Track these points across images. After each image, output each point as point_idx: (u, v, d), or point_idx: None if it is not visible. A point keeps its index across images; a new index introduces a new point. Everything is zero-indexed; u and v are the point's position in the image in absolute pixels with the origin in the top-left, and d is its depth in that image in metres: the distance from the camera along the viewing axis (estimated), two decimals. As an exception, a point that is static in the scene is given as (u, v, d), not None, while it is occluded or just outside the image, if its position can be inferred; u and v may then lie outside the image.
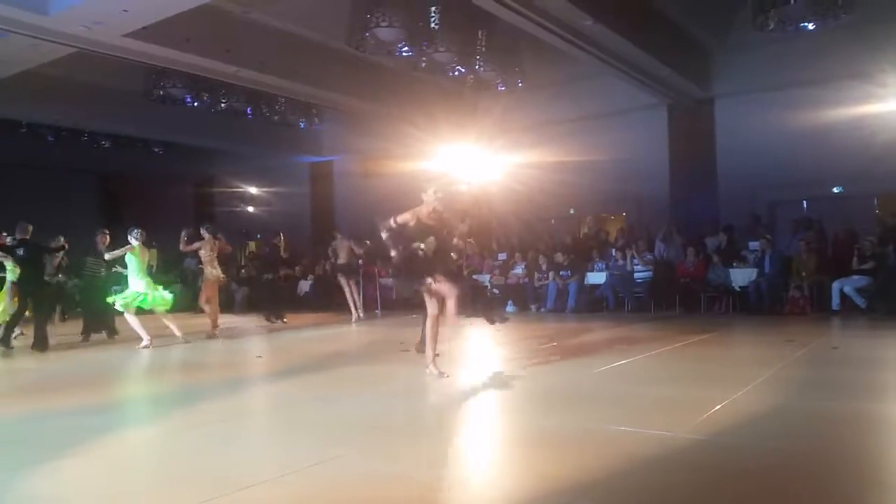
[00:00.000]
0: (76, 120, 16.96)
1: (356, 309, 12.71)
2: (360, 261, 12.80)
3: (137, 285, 9.44)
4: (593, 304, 13.46)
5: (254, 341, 10.61)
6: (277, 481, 3.38)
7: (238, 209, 22.37)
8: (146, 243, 9.74)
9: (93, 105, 15.56)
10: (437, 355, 6.23)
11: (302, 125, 18.28)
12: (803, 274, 11.76)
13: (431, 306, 6.14)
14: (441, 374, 6.06)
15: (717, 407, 4.59)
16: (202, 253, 10.81)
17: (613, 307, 13.30)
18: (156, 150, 20.88)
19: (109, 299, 9.57)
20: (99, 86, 14.83)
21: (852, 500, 2.91)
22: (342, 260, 12.91)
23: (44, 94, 14.16)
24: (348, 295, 12.82)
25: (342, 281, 12.98)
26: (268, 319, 12.79)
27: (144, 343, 9.28)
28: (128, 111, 16.04)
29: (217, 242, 10.86)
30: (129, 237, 9.47)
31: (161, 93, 15.31)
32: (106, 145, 19.79)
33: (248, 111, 16.67)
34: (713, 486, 3.18)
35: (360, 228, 17.07)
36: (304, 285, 17.32)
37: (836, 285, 11.28)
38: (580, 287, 13.57)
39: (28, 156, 19.14)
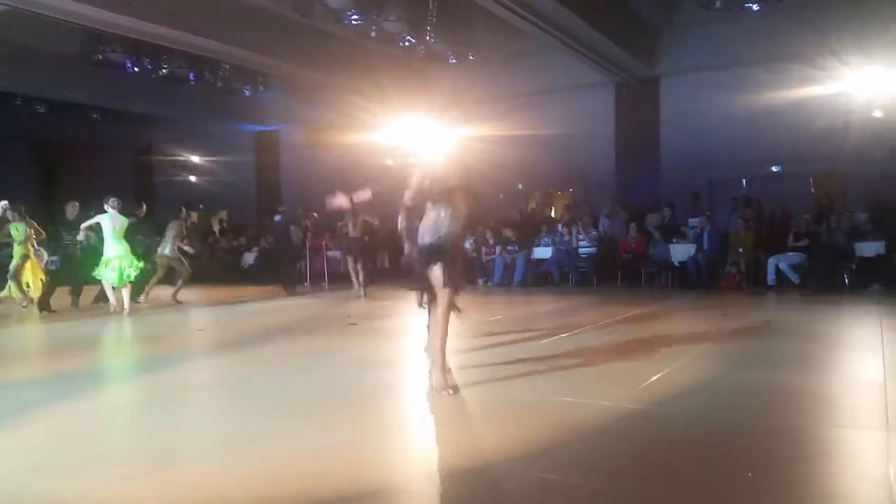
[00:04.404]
0: (9, 83, 16.21)
1: (361, 285, 12.26)
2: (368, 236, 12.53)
3: (112, 251, 9.60)
4: (539, 279, 13.64)
5: (196, 314, 10.45)
6: (219, 455, 3.36)
7: (179, 178, 21.84)
8: (122, 212, 9.85)
9: (27, 67, 14.88)
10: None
11: (247, 93, 17.90)
12: (740, 250, 12.12)
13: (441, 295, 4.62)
14: (447, 389, 4.51)
15: (655, 378, 4.72)
16: None
17: (558, 281, 13.51)
18: (94, 116, 20.15)
19: (95, 273, 9.71)
20: (34, 47, 14.18)
21: (778, 470, 3.04)
22: (354, 233, 12.31)
23: (-27, 55, 13.55)
24: (352, 269, 12.51)
25: (349, 256, 12.63)
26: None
27: (113, 307, 9.72)
28: (65, 75, 15.44)
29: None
30: (104, 205, 9.69)
31: (100, 57, 14.80)
32: (41, 110, 19.05)
33: (191, 77, 16.24)
34: (649, 455, 3.29)
35: (307, 200, 16.98)
36: (249, 257, 17.08)
37: (771, 261, 11.67)
38: (527, 262, 13.73)
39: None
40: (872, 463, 3.17)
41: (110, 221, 9.68)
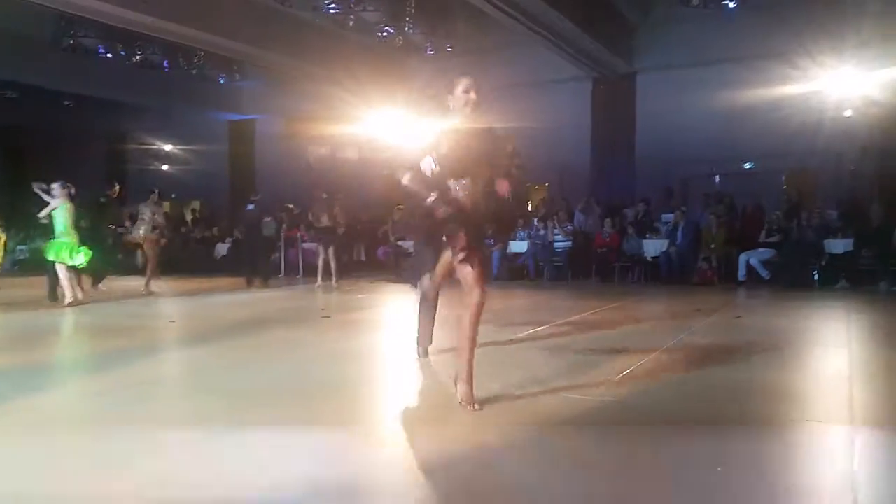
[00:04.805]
0: (-24, 67, 15.91)
1: (323, 276, 12.24)
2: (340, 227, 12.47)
3: (63, 242, 9.23)
4: (514, 273, 13.68)
5: (168, 305, 10.33)
6: (183, 452, 3.30)
7: (152, 167, 21.56)
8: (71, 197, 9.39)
9: (-4, 52, 14.62)
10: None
11: (222, 81, 17.68)
12: (712, 246, 12.25)
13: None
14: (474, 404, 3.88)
15: (626, 371, 4.76)
16: None
17: (534, 276, 13.56)
18: (66, 103, 19.80)
19: (50, 256, 9.30)
20: (4, 31, 13.89)
21: (745, 463, 3.08)
22: (324, 223, 12.31)
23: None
24: (321, 261, 12.44)
25: (319, 246, 12.55)
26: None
27: (68, 300, 9.23)
28: (36, 61, 15.11)
29: None
30: (52, 192, 9.20)
31: (72, 42, 14.54)
32: (11, 96, 18.67)
33: (165, 64, 16.01)
34: (620, 447, 3.32)
35: (283, 191, 16.86)
36: (222, 248, 16.91)
37: (742, 257, 11.82)
38: (503, 256, 13.75)
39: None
40: (837, 455, 3.23)
41: (61, 210, 9.23)
